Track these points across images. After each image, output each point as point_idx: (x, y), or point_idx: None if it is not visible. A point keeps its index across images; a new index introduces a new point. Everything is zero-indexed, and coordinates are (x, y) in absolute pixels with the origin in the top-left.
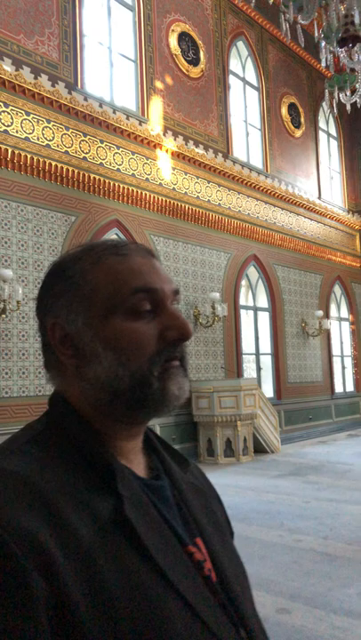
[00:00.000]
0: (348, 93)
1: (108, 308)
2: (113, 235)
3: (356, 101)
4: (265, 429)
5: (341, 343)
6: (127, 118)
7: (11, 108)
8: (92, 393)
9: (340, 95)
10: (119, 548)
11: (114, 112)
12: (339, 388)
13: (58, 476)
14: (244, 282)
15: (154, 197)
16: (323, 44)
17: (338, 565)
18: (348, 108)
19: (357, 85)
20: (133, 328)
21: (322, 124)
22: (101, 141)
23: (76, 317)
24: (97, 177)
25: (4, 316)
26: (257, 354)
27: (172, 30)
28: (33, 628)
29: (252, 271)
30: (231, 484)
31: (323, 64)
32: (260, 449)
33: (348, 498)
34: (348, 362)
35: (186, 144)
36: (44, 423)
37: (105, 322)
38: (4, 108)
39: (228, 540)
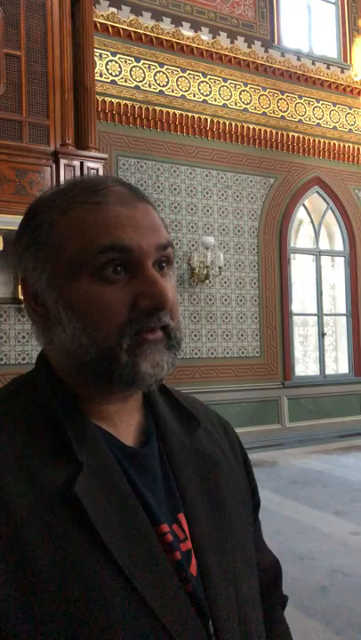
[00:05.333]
0: None
1: (73, 268)
2: (313, 194)
3: None
4: None
5: None
6: (328, 67)
7: (209, 77)
8: (61, 358)
9: None
10: (61, 524)
11: (313, 63)
12: None
13: (9, 440)
14: None
15: (359, 149)
16: None
17: None
18: None
19: None
20: (100, 293)
21: None
22: (300, 97)
23: (41, 275)
24: (296, 135)
25: (207, 281)
26: None
27: None
28: None
29: None
30: None
31: None
32: None
33: None
34: None
35: None
36: (22, 382)
37: (70, 283)
38: (202, 78)
39: (229, 516)
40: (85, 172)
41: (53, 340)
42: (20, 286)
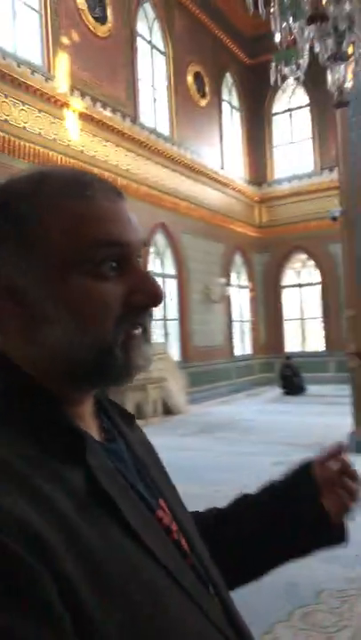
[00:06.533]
0: (293, 68)
1: (66, 262)
2: None
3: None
4: (173, 392)
5: (241, 309)
6: (32, 73)
7: None
8: (44, 360)
9: (286, 69)
10: (101, 522)
11: (18, 65)
12: (238, 351)
13: (25, 450)
14: (151, 249)
15: (62, 159)
16: (278, 18)
17: None
18: (292, 81)
19: (300, 61)
20: (97, 289)
21: (225, 95)
22: (6, 96)
23: (28, 269)
24: (1, 134)
25: None
26: (164, 319)
27: None
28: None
29: (160, 238)
30: None
31: (277, 39)
32: (168, 410)
33: (255, 450)
34: (247, 327)
35: (94, 105)
36: None
37: (63, 279)
38: None
39: (178, 494)
40: None
41: (37, 340)
42: None
